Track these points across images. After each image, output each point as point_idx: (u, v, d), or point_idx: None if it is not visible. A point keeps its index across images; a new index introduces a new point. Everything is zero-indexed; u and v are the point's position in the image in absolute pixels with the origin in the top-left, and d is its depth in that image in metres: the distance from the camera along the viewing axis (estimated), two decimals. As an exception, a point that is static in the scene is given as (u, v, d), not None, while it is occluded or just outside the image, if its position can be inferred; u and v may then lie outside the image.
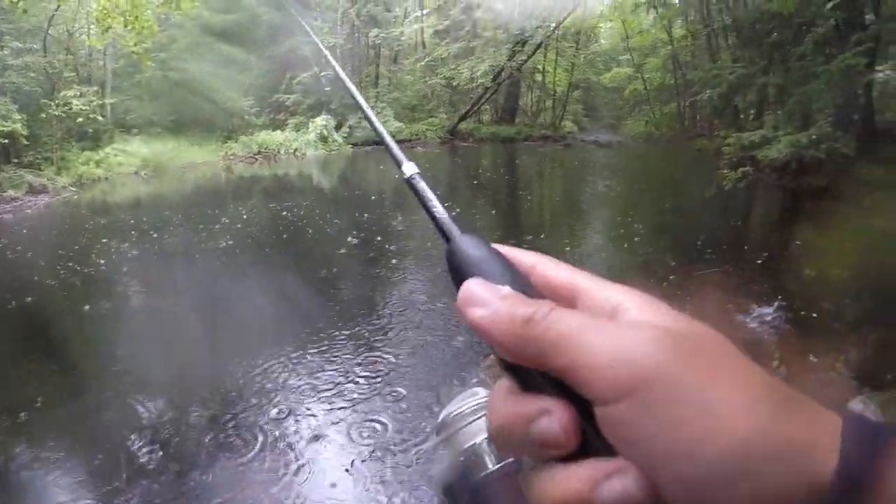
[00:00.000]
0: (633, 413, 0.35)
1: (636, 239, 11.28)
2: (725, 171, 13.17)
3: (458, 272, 0.47)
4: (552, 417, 0.38)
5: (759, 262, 9.24)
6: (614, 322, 0.40)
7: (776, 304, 7.35)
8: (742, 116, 20.34)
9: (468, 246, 0.49)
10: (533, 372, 0.40)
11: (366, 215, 13.42)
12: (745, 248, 10.40)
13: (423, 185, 0.59)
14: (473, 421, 0.74)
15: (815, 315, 7.08)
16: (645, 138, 29.38)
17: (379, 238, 11.25)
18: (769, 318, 7.00)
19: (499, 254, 0.48)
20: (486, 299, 0.42)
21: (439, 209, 0.55)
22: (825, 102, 14.15)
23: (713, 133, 21.98)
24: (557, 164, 24.56)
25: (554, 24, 30.26)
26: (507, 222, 13.11)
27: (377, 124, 0.66)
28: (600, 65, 36.05)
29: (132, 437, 4.88)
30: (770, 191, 14.16)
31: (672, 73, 28.70)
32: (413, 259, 10.03)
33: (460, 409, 0.77)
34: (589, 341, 0.38)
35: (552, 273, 0.45)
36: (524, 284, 0.45)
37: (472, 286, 0.43)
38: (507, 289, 0.43)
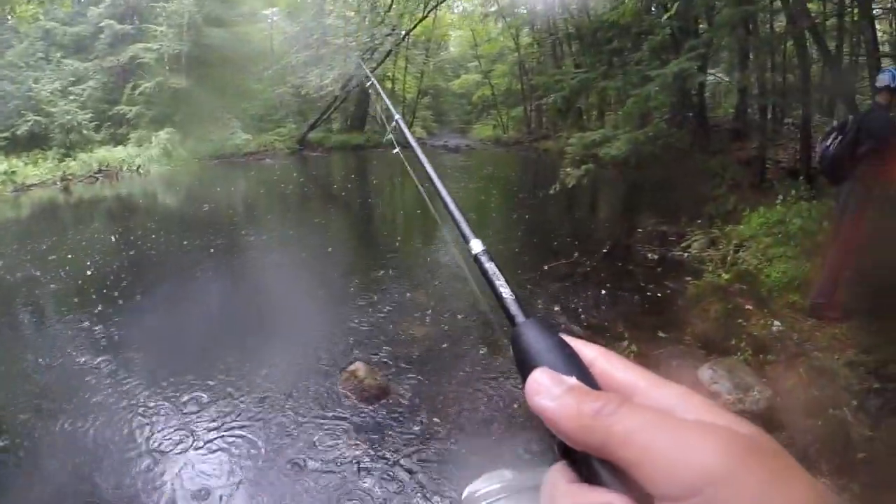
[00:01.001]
0: None
1: (487, 237, 11.35)
2: (569, 169, 13.40)
3: (524, 357, 0.49)
4: None
5: (605, 250, 9.47)
6: (680, 420, 0.40)
7: (623, 287, 7.54)
8: (584, 118, 21.07)
9: (534, 332, 0.51)
10: (595, 463, 0.41)
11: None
12: (591, 238, 10.66)
13: (491, 265, 0.65)
14: (499, 500, 0.69)
15: (659, 294, 7.27)
16: (493, 141, 30.10)
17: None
18: (618, 301, 7.16)
19: (563, 342, 0.50)
20: (553, 390, 0.44)
21: (506, 290, 0.60)
22: (661, 102, 14.71)
23: (557, 134, 22.65)
24: (406, 170, 24.63)
25: (404, 32, 30.35)
26: (361, 232, 12.93)
27: (448, 199, 0.75)
28: (449, 72, 36.61)
29: None
30: (612, 185, 14.63)
31: (518, 79, 29.71)
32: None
33: (488, 489, 0.71)
34: (656, 438, 0.39)
35: (612, 368, 0.47)
36: (588, 376, 0.47)
37: (539, 377, 0.45)
38: (573, 380, 0.45)
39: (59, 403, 5.31)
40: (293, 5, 35.67)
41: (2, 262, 11.16)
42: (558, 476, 0.44)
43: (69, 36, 32.39)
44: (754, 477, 0.36)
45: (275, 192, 20.56)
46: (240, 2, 34.76)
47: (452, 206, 0.72)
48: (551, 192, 12.88)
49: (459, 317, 7.01)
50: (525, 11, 29.13)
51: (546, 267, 8.63)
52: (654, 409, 0.41)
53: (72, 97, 29.83)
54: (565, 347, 0.48)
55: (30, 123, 27.32)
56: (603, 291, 7.50)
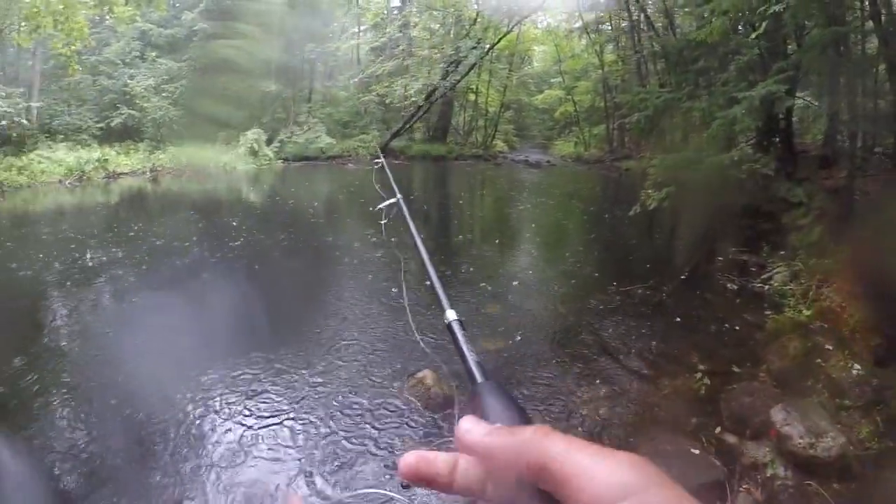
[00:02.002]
0: None
1: (566, 256, 11.38)
2: (650, 190, 13.27)
3: (474, 411, 0.56)
4: None
5: (682, 277, 9.36)
6: (599, 446, 0.44)
7: (699, 317, 7.46)
8: (668, 139, 20.73)
9: (486, 391, 0.60)
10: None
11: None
12: (669, 263, 10.53)
13: (459, 334, 0.75)
14: None
15: (736, 327, 7.19)
16: (574, 158, 29.86)
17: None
18: (692, 330, 7.09)
19: (512, 401, 0.57)
20: (480, 430, 0.50)
21: (471, 355, 0.67)
22: (747, 126, 14.46)
23: (640, 154, 22.38)
24: (489, 182, 24.57)
25: (488, 45, 30.45)
26: (438, 242, 12.97)
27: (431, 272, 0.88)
28: (532, 86, 36.47)
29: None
30: (694, 210, 14.43)
31: (602, 96, 29.34)
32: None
33: None
34: (583, 457, 0.43)
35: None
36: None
37: (468, 421, 0.52)
38: (497, 425, 0.50)
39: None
40: (380, 15, 36.05)
41: (94, 241, 11.66)
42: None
43: (164, 37, 33.58)
44: (666, 492, 0.40)
45: (352, 195, 20.81)
46: (332, 18, 35.37)
47: (435, 278, 0.79)
48: (631, 213, 12.76)
49: (526, 334, 7.05)
50: (610, 28, 28.92)
51: (622, 290, 8.60)
52: (574, 438, 0.45)
53: (164, 94, 30.91)
54: (514, 406, 0.56)
55: (123, 116, 29.15)
56: (678, 319, 7.44)
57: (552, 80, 34.94)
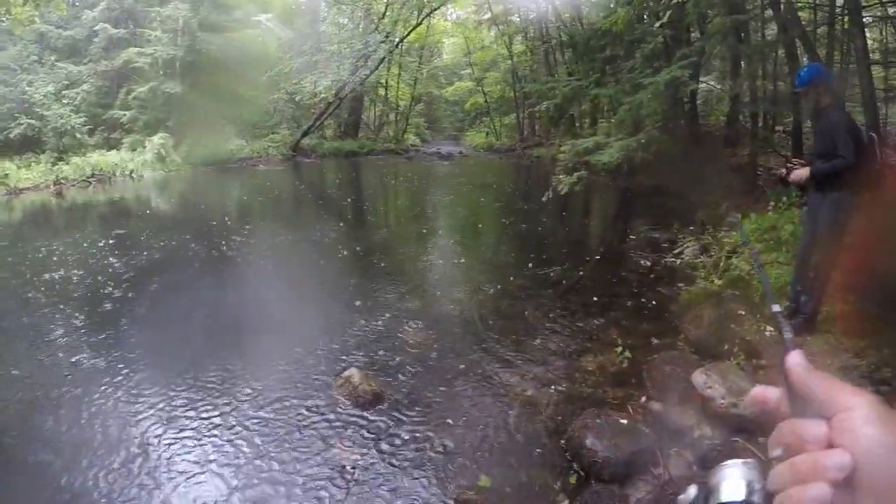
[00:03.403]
0: None
1: (482, 244, 11.42)
2: (562, 176, 13.38)
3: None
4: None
5: (597, 257, 9.47)
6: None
7: (616, 294, 7.54)
8: (577, 125, 21.05)
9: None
10: None
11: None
12: (583, 245, 10.66)
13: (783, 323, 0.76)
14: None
15: (652, 301, 7.28)
16: (486, 148, 30.07)
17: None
18: (610, 307, 7.16)
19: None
20: (805, 365, 0.62)
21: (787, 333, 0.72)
22: (654, 110, 14.75)
23: (550, 142, 22.68)
24: (402, 176, 24.48)
25: (398, 39, 30.37)
26: (352, 238, 12.81)
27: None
28: (443, 79, 36.48)
29: None
30: (604, 193, 14.60)
31: (511, 86, 29.48)
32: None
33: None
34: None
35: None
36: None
37: (795, 355, 0.63)
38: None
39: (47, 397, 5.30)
40: (287, 11, 35.64)
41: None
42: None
43: (63, 39, 32.33)
44: None
45: (267, 198, 20.52)
46: (234, 7, 34.66)
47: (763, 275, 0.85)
48: (544, 199, 12.81)
49: (450, 323, 7.02)
50: (518, 19, 29.08)
51: (540, 273, 8.63)
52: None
53: (65, 101, 29.83)
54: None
55: (23, 126, 27.35)
56: (595, 298, 7.48)
57: (462, 72, 35.05)
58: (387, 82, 34.88)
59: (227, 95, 34.12)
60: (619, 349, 5.84)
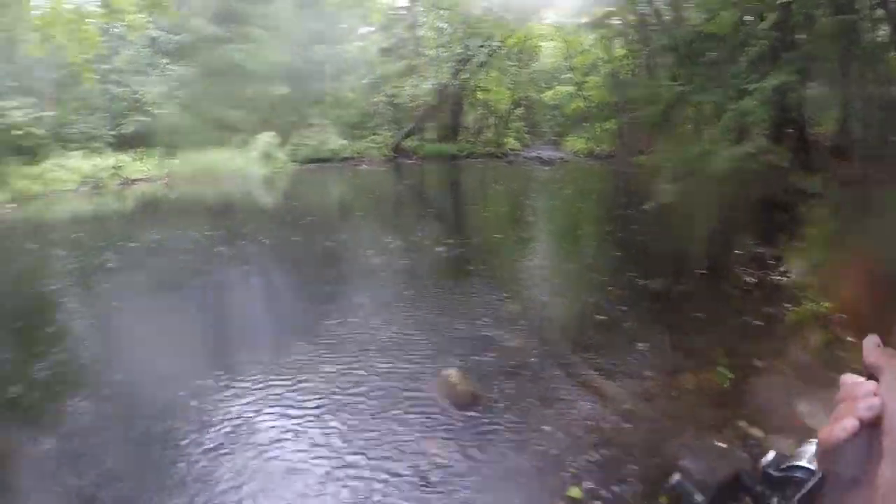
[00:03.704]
0: None
1: (583, 251, 11.45)
2: (664, 185, 13.28)
3: None
4: None
5: (702, 272, 9.39)
6: None
7: (719, 311, 7.45)
8: (680, 132, 20.62)
9: None
10: None
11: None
12: (686, 257, 10.51)
13: None
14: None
15: (757, 321, 7.18)
16: (586, 154, 29.65)
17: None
18: (712, 324, 7.10)
19: None
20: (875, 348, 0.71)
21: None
22: (760, 117, 14.46)
23: (652, 149, 22.25)
24: (502, 180, 24.51)
25: (497, 43, 30.40)
26: (456, 240, 12.95)
27: None
28: (542, 83, 36.11)
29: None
30: (708, 203, 14.29)
31: (612, 91, 28.88)
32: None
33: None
34: None
35: None
36: None
37: (870, 339, 0.73)
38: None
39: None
40: (388, 17, 36.08)
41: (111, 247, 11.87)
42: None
43: (173, 43, 33.77)
44: None
45: (369, 197, 20.99)
46: (337, 20, 35.47)
47: None
48: (646, 207, 12.76)
49: (549, 329, 7.11)
50: (618, 22, 28.59)
51: (640, 285, 8.61)
52: None
53: (176, 100, 31.18)
54: None
55: (136, 123, 29.33)
56: (697, 314, 7.40)
57: (562, 76, 34.56)
58: (486, 86, 34.72)
59: (329, 97, 35.02)
60: (720, 369, 5.77)
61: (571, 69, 32.48)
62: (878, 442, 0.60)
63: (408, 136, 32.49)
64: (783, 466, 0.84)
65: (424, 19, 34.16)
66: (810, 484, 0.73)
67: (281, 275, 10.16)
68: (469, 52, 30.20)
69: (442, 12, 33.61)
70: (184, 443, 4.87)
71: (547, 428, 4.92)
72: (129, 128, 29.62)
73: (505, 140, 34.30)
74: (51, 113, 27.31)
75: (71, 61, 20.41)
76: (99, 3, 23.14)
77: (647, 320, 7.27)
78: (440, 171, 27.51)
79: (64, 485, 4.47)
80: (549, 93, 34.03)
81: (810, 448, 0.83)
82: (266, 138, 29.86)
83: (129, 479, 4.55)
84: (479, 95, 34.99)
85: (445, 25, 34.03)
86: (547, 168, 26.95)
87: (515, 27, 30.38)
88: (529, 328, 7.10)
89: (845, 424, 0.62)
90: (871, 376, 0.69)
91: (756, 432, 4.77)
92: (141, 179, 26.33)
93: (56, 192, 22.99)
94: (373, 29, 37.01)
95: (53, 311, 8.91)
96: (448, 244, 12.04)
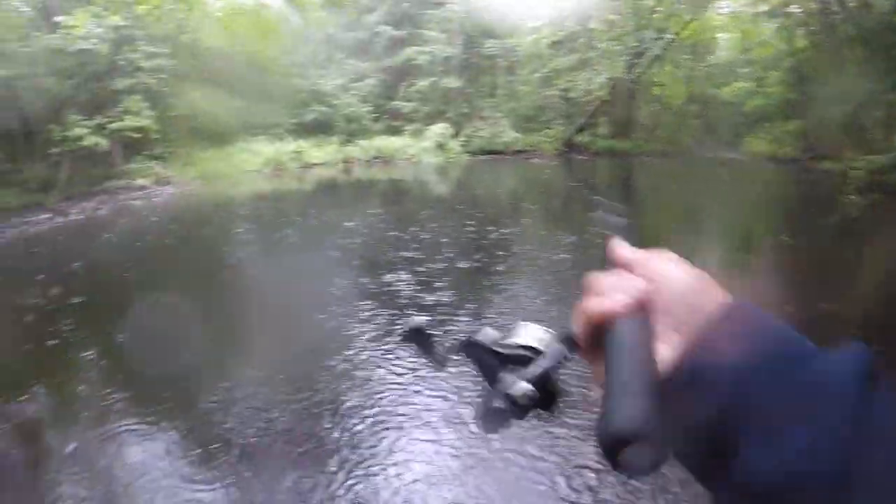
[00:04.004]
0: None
1: (754, 263, 11.06)
2: (853, 196, 12.81)
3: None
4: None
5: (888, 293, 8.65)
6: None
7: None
8: (870, 136, 19.51)
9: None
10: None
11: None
12: (874, 282, 9.88)
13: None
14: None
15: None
16: (766, 157, 28.18)
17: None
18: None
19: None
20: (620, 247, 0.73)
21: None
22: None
23: (840, 154, 20.98)
24: (675, 180, 23.94)
25: (671, 35, 30.12)
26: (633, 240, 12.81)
27: None
28: (719, 77, 34.74)
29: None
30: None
31: (795, 88, 27.76)
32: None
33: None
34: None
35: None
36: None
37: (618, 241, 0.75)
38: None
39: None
40: (557, 9, 36.11)
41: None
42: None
43: (349, 40, 35.51)
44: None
45: (539, 191, 21.47)
46: (507, 13, 35.83)
47: None
48: (831, 220, 12.24)
49: None
50: (799, 10, 27.17)
51: (822, 306, 7.99)
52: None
53: (353, 92, 33.12)
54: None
55: (315, 113, 31.94)
56: (884, 347, 6.86)
57: (740, 71, 33.22)
58: (661, 81, 34.35)
59: (501, 90, 35.63)
60: None
61: (750, 63, 31.40)
62: (647, 326, 0.62)
63: (580, 130, 32.86)
64: (505, 343, 0.82)
65: (595, 12, 33.99)
66: (547, 364, 0.74)
67: (448, 262, 10.48)
68: (643, 45, 29.92)
69: (613, 3, 33.36)
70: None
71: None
72: (308, 116, 31.71)
73: (679, 138, 33.39)
74: (237, 102, 29.59)
75: (256, 55, 22.01)
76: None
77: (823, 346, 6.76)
78: (612, 168, 27.37)
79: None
80: (727, 89, 32.75)
81: (531, 330, 0.83)
82: (440, 129, 31.09)
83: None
84: (654, 91, 34.70)
85: (617, 17, 33.73)
86: (723, 169, 25.81)
87: (690, 17, 29.65)
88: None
89: (618, 297, 0.63)
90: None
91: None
92: (319, 164, 28.45)
93: (240, 172, 25.16)
94: (542, 23, 37.13)
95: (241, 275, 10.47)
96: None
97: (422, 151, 30.54)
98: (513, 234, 12.97)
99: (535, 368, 0.73)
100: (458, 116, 33.39)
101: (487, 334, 0.81)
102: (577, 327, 0.67)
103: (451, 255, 10.80)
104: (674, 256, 0.67)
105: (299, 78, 33.28)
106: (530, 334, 0.80)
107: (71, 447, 5.05)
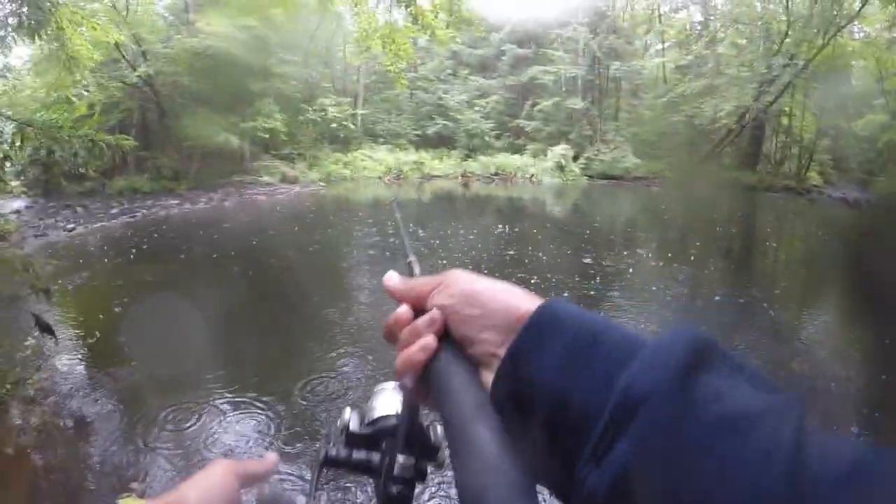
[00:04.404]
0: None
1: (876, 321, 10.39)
2: None
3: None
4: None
5: None
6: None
7: None
8: None
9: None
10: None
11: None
12: None
13: (398, 215, 1.07)
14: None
15: None
16: (901, 199, 26.43)
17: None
18: None
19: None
20: (398, 280, 0.74)
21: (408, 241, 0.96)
22: None
23: None
24: (799, 221, 22.99)
25: (802, 62, 29.28)
26: (736, 279, 12.55)
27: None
28: (852, 109, 32.63)
29: None
30: None
31: None
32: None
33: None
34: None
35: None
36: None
37: (391, 274, 0.76)
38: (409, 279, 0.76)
39: None
40: (684, 32, 35.85)
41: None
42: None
43: (475, 56, 36.37)
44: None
45: (655, 221, 21.33)
46: (633, 35, 35.84)
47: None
48: None
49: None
50: None
51: None
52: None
53: (476, 108, 34.20)
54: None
55: (438, 126, 33.62)
56: None
57: (874, 103, 31.30)
58: (791, 111, 32.84)
59: (624, 114, 35.66)
60: None
61: (884, 93, 30.00)
62: (457, 356, 0.63)
63: (704, 160, 32.28)
64: (368, 422, 0.85)
65: (723, 35, 33.54)
66: (400, 424, 0.76)
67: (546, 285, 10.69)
68: (773, 73, 29.16)
69: (741, 28, 32.78)
70: None
71: None
72: (431, 129, 32.89)
73: (807, 174, 32.23)
74: (362, 111, 31.04)
75: (386, 69, 23.04)
76: (410, 21, 25.66)
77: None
78: (734, 201, 26.30)
79: None
80: (860, 122, 31.20)
81: (385, 393, 0.88)
82: (560, 150, 31.63)
83: None
84: (783, 121, 33.68)
85: (745, 41, 33.06)
86: (854, 212, 24.51)
87: (822, 42, 28.61)
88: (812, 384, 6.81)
89: (423, 343, 0.64)
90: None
91: None
92: (438, 175, 29.46)
93: (362, 177, 26.46)
94: (669, 45, 36.89)
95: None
96: (725, 283, 11.94)
97: (542, 171, 31.03)
98: (620, 265, 12.71)
99: (399, 436, 0.76)
100: (580, 138, 33.64)
101: (344, 421, 0.86)
102: (401, 378, 0.69)
103: (557, 281, 11.01)
104: (464, 273, 0.69)
105: (423, 92, 34.42)
106: (383, 402, 0.87)
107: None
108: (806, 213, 24.48)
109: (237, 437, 5.10)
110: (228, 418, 5.38)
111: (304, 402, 5.76)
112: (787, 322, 9.51)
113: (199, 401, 5.67)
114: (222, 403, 5.64)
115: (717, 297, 10.65)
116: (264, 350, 7.29)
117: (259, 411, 5.50)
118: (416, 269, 0.87)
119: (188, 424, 5.26)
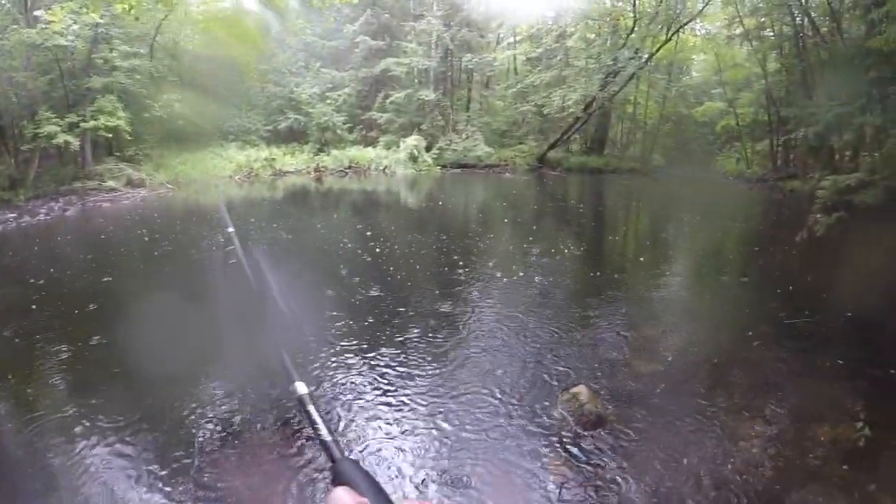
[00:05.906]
0: None
1: (725, 279, 11.14)
2: (819, 215, 12.81)
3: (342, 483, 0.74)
4: None
5: (850, 313, 8.74)
6: None
7: (865, 360, 6.98)
8: (837, 157, 19.74)
9: (349, 468, 0.76)
10: None
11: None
12: (836, 297, 9.85)
13: (312, 408, 0.85)
14: None
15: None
16: (735, 176, 28.79)
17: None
18: (856, 375, 6.62)
19: (370, 478, 0.77)
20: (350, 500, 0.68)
21: (325, 433, 0.82)
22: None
23: (807, 174, 21.33)
24: (646, 199, 24.17)
25: (647, 55, 30.28)
26: (594, 258, 12.82)
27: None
28: (692, 98, 35.15)
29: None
30: (867, 238, 13.41)
31: (766, 109, 27.94)
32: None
33: None
34: None
35: None
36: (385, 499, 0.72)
37: (340, 492, 0.70)
38: (365, 500, 0.68)
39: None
40: (535, 27, 36.37)
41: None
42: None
43: (327, 49, 35.59)
44: None
45: (510, 206, 21.22)
46: (486, 29, 36.02)
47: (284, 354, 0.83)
48: (797, 239, 12.33)
49: (683, 359, 6.93)
50: (773, 34, 27.33)
51: (783, 322, 7.98)
52: None
53: (328, 101, 33.14)
54: (372, 481, 0.76)
55: (290, 120, 32.23)
56: (841, 360, 6.74)
57: (713, 92, 33.81)
58: (635, 99, 34.57)
59: (476, 104, 35.76)
60: (860, 424, 5.27)
61: (723, 84, 31.73)
62: None
63: (553, 147, 32.89)
64: None
65: (573, 30, 34.22)
66: None
67: (415, 275, 10.47)
68: (619, 65, 29.96)
69: (591, 23, 33.63)
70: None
71: (667, 460, 4.87)
72: (282, 124, 31.83)
73: (651, 156, 34.03)
74: (213, 106, 29.64)
75: (234, 60, 21.97)
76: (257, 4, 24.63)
77: (788, 361, 6.67)
78: (583, 185, 27.54)
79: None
80: (700, 109, 33.00)
81: None
82: (413, 140, 31.18)
83: None
84: (628, 109, 34.94)
85: (594, 36, 34.06)
86: (693, 188, 26.22)
87: (666, 39, 29.84)
88: (663, 354, 6.91)
89: None
90: None
91: (886, 500, 4.43)
92: (291, 171, 28.51)
93: (212, 177, 25.18)
94: (521, 38, 37.43)
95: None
96: (584, 262, 11.96)
97: (395, 163, 30.53)
98: (479, 250, 12.82)
99: None
100: (433, 129, 33.43)
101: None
102: None
103: (414, 271, 10.76)
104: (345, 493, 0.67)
105: (274, 85, 33.32)
106: None
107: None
108: (649, 190, 25.84)
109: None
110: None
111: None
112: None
113: None
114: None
115: (576, 266, 11.68)
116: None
117: None
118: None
119: None
